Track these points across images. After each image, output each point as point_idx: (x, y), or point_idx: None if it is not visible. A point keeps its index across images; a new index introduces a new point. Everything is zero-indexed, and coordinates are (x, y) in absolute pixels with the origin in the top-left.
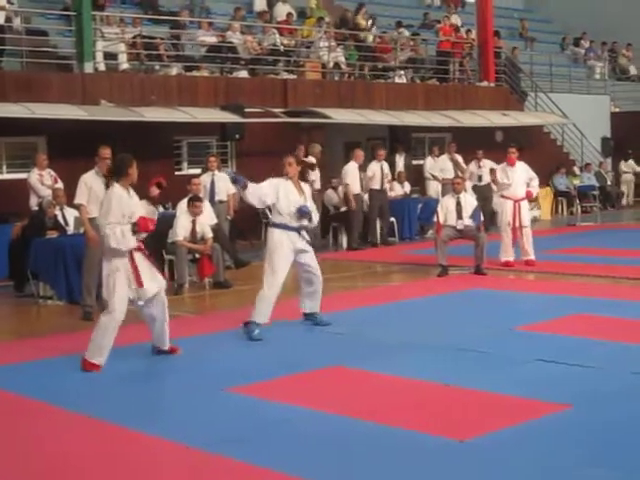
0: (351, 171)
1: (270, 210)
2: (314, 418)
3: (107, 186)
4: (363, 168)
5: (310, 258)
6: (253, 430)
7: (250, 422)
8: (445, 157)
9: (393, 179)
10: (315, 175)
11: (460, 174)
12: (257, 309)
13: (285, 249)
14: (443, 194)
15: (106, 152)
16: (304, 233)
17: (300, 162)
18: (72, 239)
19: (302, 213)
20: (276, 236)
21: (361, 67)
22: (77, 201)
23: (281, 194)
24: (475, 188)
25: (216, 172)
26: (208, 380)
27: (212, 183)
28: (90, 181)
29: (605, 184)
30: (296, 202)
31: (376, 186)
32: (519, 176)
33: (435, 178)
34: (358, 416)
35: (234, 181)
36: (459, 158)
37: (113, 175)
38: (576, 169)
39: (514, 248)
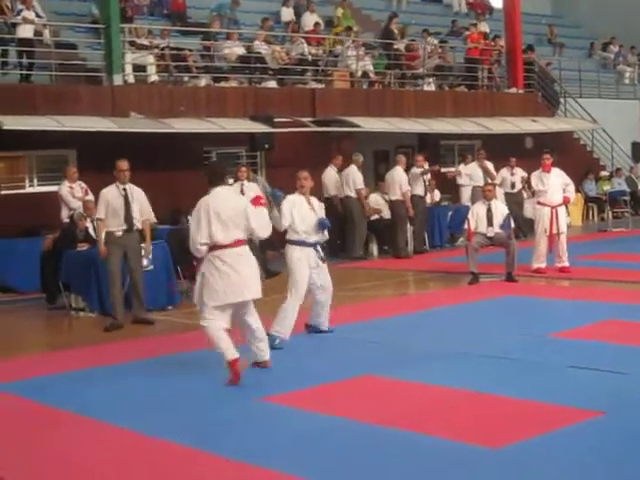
0: (404, 176)
1: None
2: (347, 427)
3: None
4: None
5: (324, 273)
6: (288, 440)
7: (284, 432)
8: (475, 164)
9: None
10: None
11: (490, 181)
12: (279, 321)
13: (304, 265)
14: (473, 201)
15: (123, 165)
16: (319, 248)
17: None
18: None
19: (323, 227)
20: (296, 254)
21: (389, 75)
22: (97, 215)
23: (295, 212)
24: (507, 195)
25: (245, 182)
26: (241, 390)
27: (241, 193)
28: (109, 195)
29: (636, 189)
30: (311, 218)
31: (420, 192)
32: (555, 182)
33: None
34: (391, 425)
35: (322, 227)
36: (489, 165)
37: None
38: (605, 174)
39: (548, 255)
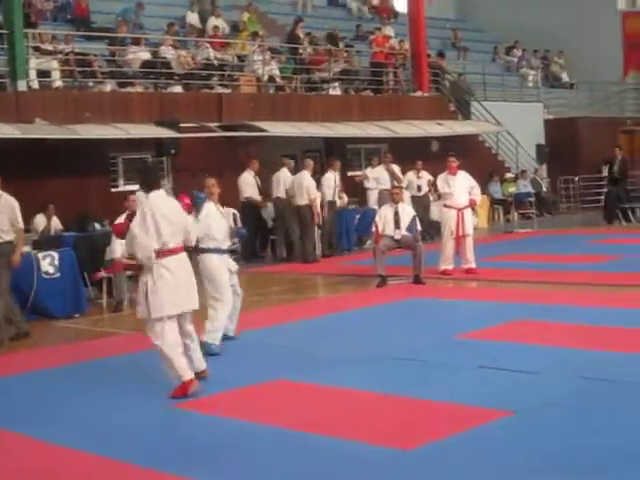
0: (310, 181)
1: None
2: (259, 432)
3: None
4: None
5: (236, 279)
6: (199, 446)
7: (196, 438)
8: (381, 167)
9: None
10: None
11: (397, 184)
12: (212, 329)
13: (225, 270)
14: (380, 204)
15: None
16: (231, 255)
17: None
18: None
19: (240, 236)
20: (215, 260)
21: (295, 80)
22: None
23: (211, 219)
24: (414, 198)
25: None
26: (152, 397)
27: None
28: None
29: (541, 190)
30: (224, 225)
31: (330, 197)
32: (461, 185)
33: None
34: (303, 429)
35: (239, 236)
36: (395, 168)
37: None
38: (510, 176)
39: (455, 257)
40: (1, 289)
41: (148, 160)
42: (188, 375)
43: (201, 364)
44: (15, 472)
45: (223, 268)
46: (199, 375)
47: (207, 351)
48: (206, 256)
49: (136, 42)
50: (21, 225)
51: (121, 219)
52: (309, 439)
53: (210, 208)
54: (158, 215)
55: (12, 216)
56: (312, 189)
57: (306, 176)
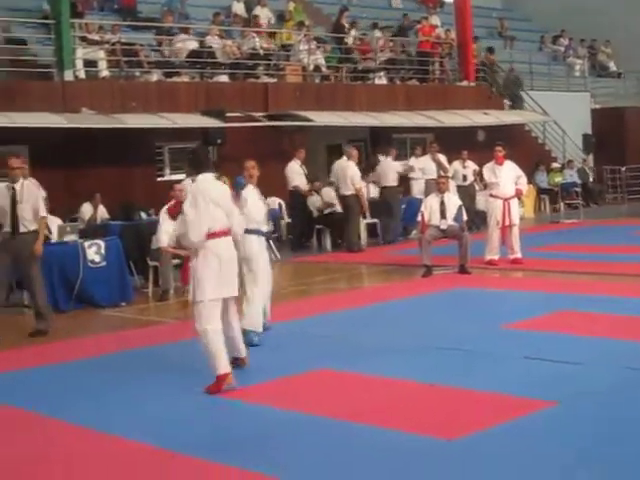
0: (354, 170)
1: None
2: (302, 421)
3: None
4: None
5: (269, 265)
6: (245, 435)
7: (240, 427)
8: (427, 157)
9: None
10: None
11: (443, 174)
12: (249, 317)
13: (263, 255)
14: (426, 194)
15: (12, 162)
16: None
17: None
18: (55, 248)
19: (273, 216)
20: (254, 241)
21: (341, 69)
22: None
23: (250, 201)
24: (459, 188)
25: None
26: (195, 386)
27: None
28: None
29: (587, 181)
30: (263, 207)
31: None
32: (507, 174)
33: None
34: (346, 418)
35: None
36: (442, 158)
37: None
38: (557, 165)
39: (501, 247)
40: (35, 278)
41: (197, 147)
42: (223, 369)
43: (241, 352)
44: (60, 459)
45: (261, 250)
46: (238, 361)
47: (248, 341)
48: (245, 236)
49: (183, 32)
50: (44, 214)
51: (166, 208)
52: (352, 428)
53: (249, 190)
54: (207, 197)
55: (36, 206)
56: (356, 178)
57: (351, 165)
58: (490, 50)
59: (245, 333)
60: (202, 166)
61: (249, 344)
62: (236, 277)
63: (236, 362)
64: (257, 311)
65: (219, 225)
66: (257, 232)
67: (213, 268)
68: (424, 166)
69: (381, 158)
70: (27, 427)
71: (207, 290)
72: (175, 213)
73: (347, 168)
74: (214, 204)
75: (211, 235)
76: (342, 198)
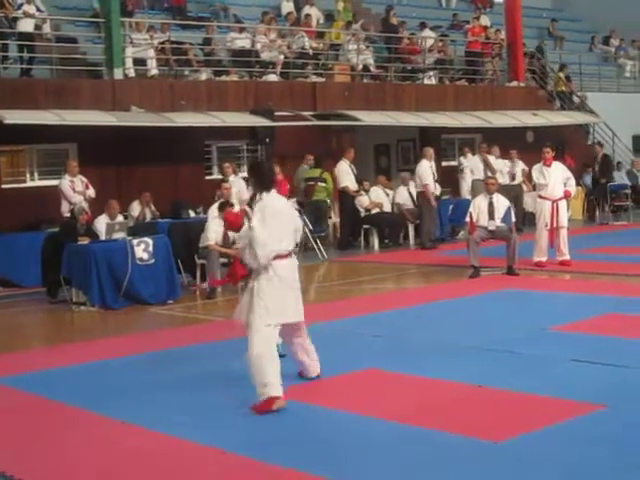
0: (426, 170)
1: None
2: (348, 420)
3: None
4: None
5: None
6: (292, 433)
7: (289, 425)
8: (477, 157)
9: None
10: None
11: (491, 174)
12: None
13: None
14: (473, 194)
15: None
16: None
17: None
18: (104, 245)
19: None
20: None
21: (390, 69)
22: None
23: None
24: (506, 187)
25: (232, 177)
26: (247, 383)
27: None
28: None
29: (637, 183)
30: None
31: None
32: (556, 176)
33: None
34: (392, 419)
35: None
36: (490, 158)
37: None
38: None
39: (550, 249)
40: None
41: (261, 160)
42: (275, 392)
43: (316, 367)
44: (113, 456)
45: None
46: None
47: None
48: None
49: (232, 31)
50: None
51: (214, 207)
52: (399, 429)
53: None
54: (275, 216)
55: None
56: (424, 176)
57: (422, 164)
58: (540, 51)
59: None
60: (269, 184)
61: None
62: (300, 300)
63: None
64: None
65: (285, 246)
66: None
67: (275, 290)
68: (473, 166)
69: None
70: (73, 423)
71: (270, 313)
72: (237, 225)
73: (419, 166)
74: (283, 223)
75: (277, 257)
76: (418, 195)
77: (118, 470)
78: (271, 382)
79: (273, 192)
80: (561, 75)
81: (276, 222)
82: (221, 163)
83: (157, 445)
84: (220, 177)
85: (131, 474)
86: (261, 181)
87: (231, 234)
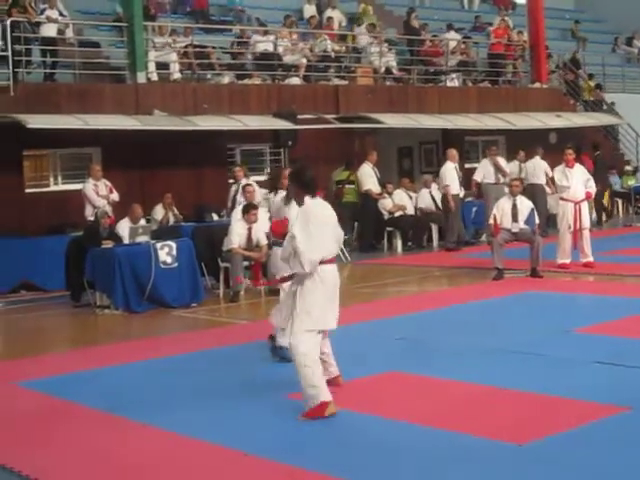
0: (449, 171)
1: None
2: (370, 423)
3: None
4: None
5: None
6: (311, 435)
7: (308, 428)
8: (486, 161)
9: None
10: None
11: (502, 178)
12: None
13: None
14: (485, 198)
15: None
16: None
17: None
18: (127, 249)
19: None
20: None
21: (412, 71)
22: None
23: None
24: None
25: (243, 180)
26: (268, 387)
27: (236, 192)
28: None
29: None
30: None
31: (455, 191)
32: (578, 178)
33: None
34: (415, 421)
35: None
36: (501, 161)
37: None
38: (630, 168)
39: (574, 251)
40: None
41: (304, 165)
42: (325, 397)
43: (334, 369)
44: (133, 458)
45: None
46: (333, 381)
47: (283, 355)
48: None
49: (255, 34)
50: None
51: (238, 210)
52: (421, 432)
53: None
54: (319, 223)
55: None
56: (444, 177)
57: (447, 166)
58: (574, 62)
59: (280, 348)
60: (313, 188)
61: (284, 358)
62: (338, 307)
63: (332, 382)
64: None
65: (328, 252)
66: None
67: (318, 297)
68: (483, 170)
69: None
70: (95, 426)
71: (312, 319)
72: (280, 233)
73: (443, 167)
74: (325, 229)
75: (321, 262)
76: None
77: (138, 472)
78: (320, 386)
79: (317, 198)
80: (591, 84)
81: (320, 228)
82: (232, 167)
83: (177, 447)
84: (243, 181)
85: (151, 476)
86: (304, 187)
87: (254, 237)
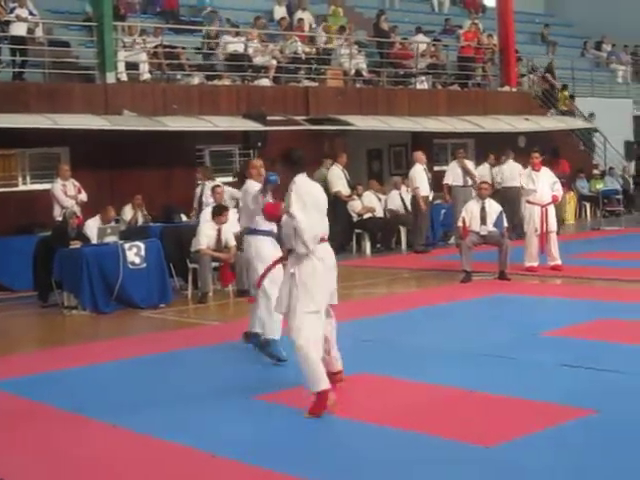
0: (419, 173)
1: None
2: (340, 425)
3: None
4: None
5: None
6: (280, 437)
7: (278, 430)
8: (454, 163)
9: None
10: None
11: (470, 180)
12: (269, 323)
13: (276, 255)
14: (454, 202)
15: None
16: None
17: None
18: (95, 249)
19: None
20: (267, 243)
21: (382, 74)
22: None
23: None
24: (503, 191)
25: (206, 183)
26: (235, 388)
27: (202, 193)
28: None
29: (629, 188)
30: None
31: (425, 193)
32: (545, 181)
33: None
34: (384, 423)
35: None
36: (469, 164)
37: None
38: (598, 172)
39: (541, 254)
40: None
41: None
42: (324, 384)
43: (338, 363)
44: (93, 458)
45: (276, 252)
46: (334, 376)
47: (274, 352)
48: (259, 238)
49: (225, 34)
50: None
51: (207, 211)
52: (390, 433)
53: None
54: (313, 200)
55: None
56: (414, 180)
57: (416, 168)
58: (549, 71)
59: (269, 344)
60: (301, 166)
61: (278, 359)
62: (335, 284)
63: (333, 378)
64: (278, 317)
65: (324, 228)
66: (269, 234)
67: (318, 276)
68: (451, 173)
69: None
70: (61, 426)
71: (311, 299)
72: (275, 215)
73: (412, 170)
74: (318, 206)
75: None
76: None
77: (105, 473)
78: (315, 371)
79: (304, 175)
80: (566, 94)
81: (314, 205)
82: (196, 169)
83: (145, 448)
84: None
85: (118, 477)
86: (294, 165)
87: (223, 238)
